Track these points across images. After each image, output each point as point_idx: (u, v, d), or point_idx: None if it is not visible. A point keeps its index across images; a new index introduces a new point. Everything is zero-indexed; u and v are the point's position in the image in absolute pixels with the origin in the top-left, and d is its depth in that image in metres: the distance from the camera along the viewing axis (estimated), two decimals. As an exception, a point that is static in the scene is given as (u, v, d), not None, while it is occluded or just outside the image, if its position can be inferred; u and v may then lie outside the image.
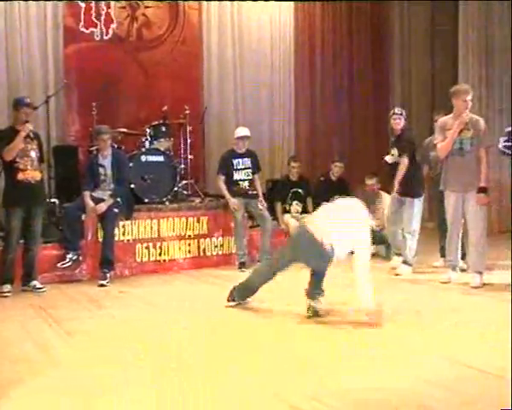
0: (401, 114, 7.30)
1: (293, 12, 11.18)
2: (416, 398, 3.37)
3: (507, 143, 6.29)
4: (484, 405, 3.30)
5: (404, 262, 7.25)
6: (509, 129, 6.39)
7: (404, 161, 7.15)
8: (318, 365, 3.96)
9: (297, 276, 5.50)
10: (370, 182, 8.32)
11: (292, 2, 11.15)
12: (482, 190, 6.21)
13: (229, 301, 5.52)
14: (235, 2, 10.58)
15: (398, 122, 7.26)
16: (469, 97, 6.32)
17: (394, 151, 7.29)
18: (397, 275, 7.12)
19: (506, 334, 4.43)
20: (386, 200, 7.98)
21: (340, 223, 4.96)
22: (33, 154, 6.41)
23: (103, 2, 9.45)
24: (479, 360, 3.92)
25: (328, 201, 8.66)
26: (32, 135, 6.43)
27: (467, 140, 6.29)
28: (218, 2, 10.42)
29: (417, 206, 7.26)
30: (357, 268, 4.90)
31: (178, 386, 3.59)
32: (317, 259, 5.01)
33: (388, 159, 7.36)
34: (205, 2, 10.35)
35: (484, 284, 6.27)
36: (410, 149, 7.23)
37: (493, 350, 4.17)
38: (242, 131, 8.05)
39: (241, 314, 5.33)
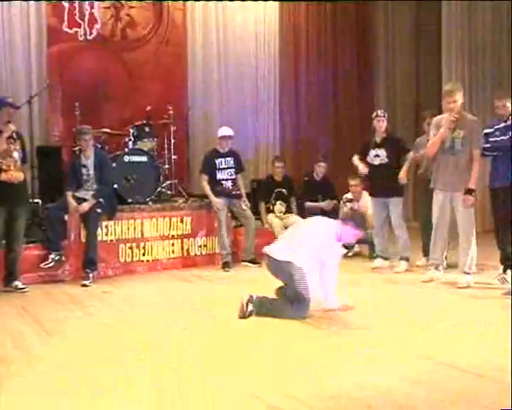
0: (384, 116, 7.44)
1: (277, 12, 11.19)
2: (395, 397, 3.40)
3: (484, 145, 6.32)
4: (464, 404, 3.32)
5: (403, 258, 7.39)
6: (486, 131, 6.41)
7: (410, 155, 7.39)
8: (313, 365, 3.99)
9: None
10: (354, 182, 8.35)
11: (277, 3, 11.16)
12: (469, 191, 6.22)
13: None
14: (219, 3, 10.58)
15: (381, 125, 7.39)
16: (453, 98, 6.33)
17: (381, 152, 7.36)
18: (397, 273, 7.25)
19: (500, 334, 4.51)
20: (369, 200, 8.03)
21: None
22: (16, 154, 6.38)
23: (87, 2, 9.43)
24: (467, 361, 3.95)
25: (312, 200, 8.82)
26: (14, 136, 6.40)
27: (458, 140, 6.31)
28: (202, 3, 10.42)
29: (401, 203, 7.46)
30: (324, 274, 5.07)
31: (178, 386, 3.60)
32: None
33: (375, 160, 7.42)
34: (189, 3, 10.35)
35: (469, 285, 6.30)
36: (406, 146, 7.48)
37: (483, 351, 4.21)
38: (225, 131, 8.06)
39: (230, 313, 5.28)
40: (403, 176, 7.24)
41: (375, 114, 7.54)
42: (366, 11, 12.20)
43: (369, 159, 7.47)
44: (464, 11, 10.75)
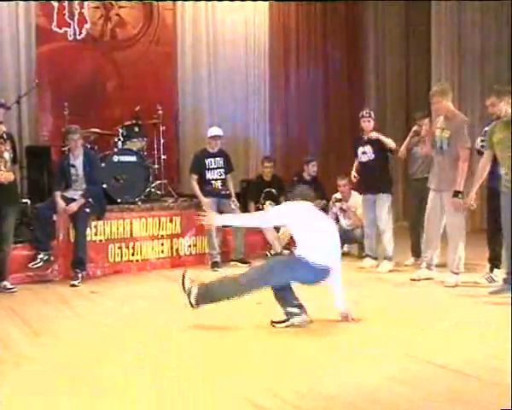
0: (370, 116, 7.52)
1: (267, 12, 11.18)
2: (378, 394, 3.41)
3: (484, 143, 6.26)
4: (446, 402, 3.33)
5: (386, 258, 7.39)
6: (487, 128, 6.34)
7: (391, 142, 7.45)
8: (307, 365, 3.99)
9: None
10: (342, 182, 8.36)
11: (266, 2, 11.15)
12: (456, 194, 6.23)
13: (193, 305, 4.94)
14: (209, 3, 10.56)
15: (367, 125, 7.49)
16: (437, 99, 6.40)
17: (368, 149, 7.45)
18: (380, 273, 7.26)
19: (489, 334, 4.56)
20: (358, 200, 8.06)
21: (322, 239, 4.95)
22: (6, 155, 6.38)
23: (76, 1, 9.40)
24: (454, 360, 3.97)
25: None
26: (5, 136, 6.40)
27: (445, 139, 6.36)
28: (192, 3, 10.41)
29: (389, 201, 7.49)
30: (334, 277, 4.96)
31: (178, 386, 3.60)
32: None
33: (362, 158, 7.50)
34: (179, 2, 10.34)
35: (457, 284, 6.30)
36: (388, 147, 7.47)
37: (475, 350, 4.22)
38: (215, 131, 8.08)
39: (227, 313, 5.26)
40: (402, 150, 7.45)
41: (360, 114, 7.63)
42: (356, 11, 12.19)
43: (357, 157, 7.60)
44: (454, 11, 10.80)
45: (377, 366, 3.87)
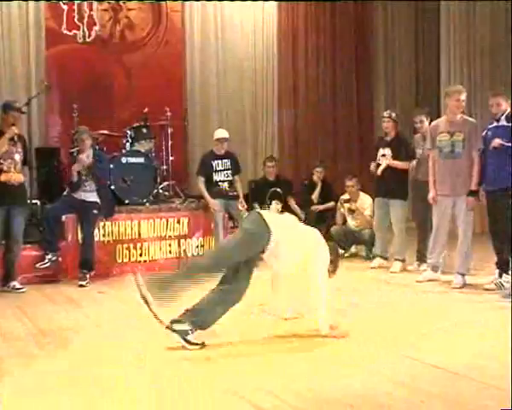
0: (388, 117, 7.44)
1: (276, 12, 11.23)
2: (376, 397, 3.41)
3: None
4: (446, 404, 3.34)
5: (397, 259, 7.37)
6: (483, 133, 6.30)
7: (407, 164, 7.31)
8: (303, 365, 4.00)
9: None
10: (350, 183, 8.36)
11: (275, 3, 11.20)
12: (472, 193, 6.21)
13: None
14: (217, 3, 10.63)
15: (384, 125, 7.46)
16: (463, 97, 6.35)
17: (387, 151, 7.35)
18: (392, 273, 7.23)
19: (494, 335, 4.56)
20: (366, 201, 8.06)
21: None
22: (17, 157, 6.48)
23: (85, 3, 9.49)
24: (454, 361, 3.96)
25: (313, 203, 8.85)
26: (15, 138, 6.48)
27: (458, 143, 6.27)
28: (200, 3, 10.48)
29: (404, 207, 7.43)
30: (312, 289, 4.59)
31: (178, 386, 3.62)
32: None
33: (381, 160, 7.39)
34: (188, 3, 10.40)
35: (464, 285, 6.31)
36: (411, 153, 7.37)
37: (472, 352, 4.20)
38: (221, 133, 8.09)
39: (228, 314, 5.26)
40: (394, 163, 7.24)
41: (382, 115, 7.59)
42: (365, 11, 12.20)
43: (377, 158, 7.44)
44: (463, 11, 10.77)
45: (377, 368, 3.88)
